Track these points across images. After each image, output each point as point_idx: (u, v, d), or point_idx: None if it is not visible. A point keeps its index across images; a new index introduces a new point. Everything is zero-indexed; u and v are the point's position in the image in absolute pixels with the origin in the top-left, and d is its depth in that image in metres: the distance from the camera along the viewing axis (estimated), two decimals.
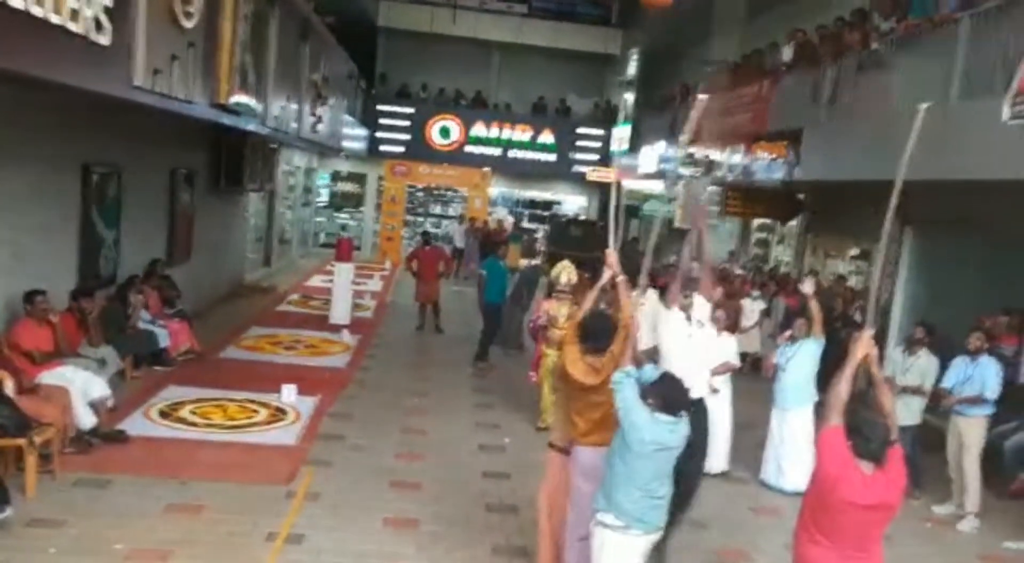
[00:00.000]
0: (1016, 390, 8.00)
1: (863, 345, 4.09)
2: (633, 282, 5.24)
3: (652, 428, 4.16)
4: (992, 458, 7.44)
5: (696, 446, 5.48)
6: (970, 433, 7.14)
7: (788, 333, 8.00)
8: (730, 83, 15.08)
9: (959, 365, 7.27)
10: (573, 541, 4.88)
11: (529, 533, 5.93)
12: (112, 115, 8.65)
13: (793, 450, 7.41)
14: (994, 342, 7.89)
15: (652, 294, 10.32)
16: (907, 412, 7.49)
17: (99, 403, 7.21)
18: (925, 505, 7.44)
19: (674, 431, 4.23)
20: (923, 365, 7.46)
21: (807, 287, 7.53)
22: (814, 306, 7.46)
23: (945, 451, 7.40)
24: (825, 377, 6.63)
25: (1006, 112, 6.94)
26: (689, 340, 5.62)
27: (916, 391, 7.44)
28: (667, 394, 4.25)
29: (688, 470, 5.47)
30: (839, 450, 3.73)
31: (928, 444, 7.68)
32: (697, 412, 5.39)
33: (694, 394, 5.35)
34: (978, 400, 7.05)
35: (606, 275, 5.08)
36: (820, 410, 7.05)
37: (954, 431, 7.26)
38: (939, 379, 7.47)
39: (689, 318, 5.65)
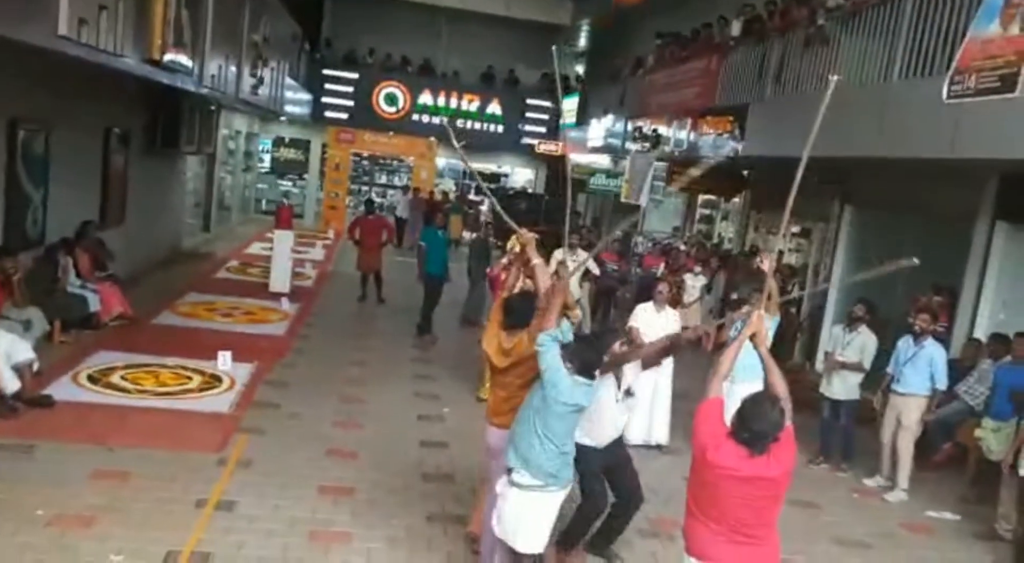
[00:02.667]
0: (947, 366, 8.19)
1: (752, 324, 4.11)
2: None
3: (572, 391, 4.24)
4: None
5: (629, 475, 5.42)
6: (910, 413, 7.25)
7: (744, 308, 8.01)
8: (679, 56, 15.12)
9: (902, 347, 7.37)
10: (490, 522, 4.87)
11: (465, 501, 5.93)
12: (42, 70, 8.30)
13: None
14: (935, 319, 8.05)
15: (583, 254, 10.31)
16: (844, 387, 7.64)
17: (23, 367, 6.97)
18: (854, 477, 7.61)
19: (587, 393, 4.33)
20: (862, 341, 7.58)
21: (765, 264, 7.56)
22: (771, 283, 7.49)
23: (876, 424, 7.56)
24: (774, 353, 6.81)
25: (945, 91, 7.04)
26: (615, 404, 5.24)
27: (855, 367, 7.56)
28: (583, 356, 4.31)
29: (629, 496, 5.43)
30: (714, 421, 3.67)
31: (860, 418, 7.84)
32: (619, 445, 5.38)
33: (615, 437, 5.31)
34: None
35: (524, 254, 4.95)
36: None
37: (893, 408, 7.36)
38: (878, 358, 7.61)
39: (619, 382, 5.24)
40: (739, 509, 3.53)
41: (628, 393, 5.28)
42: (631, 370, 5.29)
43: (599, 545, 5.48)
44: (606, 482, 5.35)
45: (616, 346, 5.19)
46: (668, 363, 7.88)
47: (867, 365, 7.60)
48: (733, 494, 3.51)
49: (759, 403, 3.59)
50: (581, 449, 5.18)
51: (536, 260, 4.83)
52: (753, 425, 3.49)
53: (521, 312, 4.72)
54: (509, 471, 4.39)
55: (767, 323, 7.41)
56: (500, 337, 4.78)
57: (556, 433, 4.29)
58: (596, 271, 11.58)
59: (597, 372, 4.40)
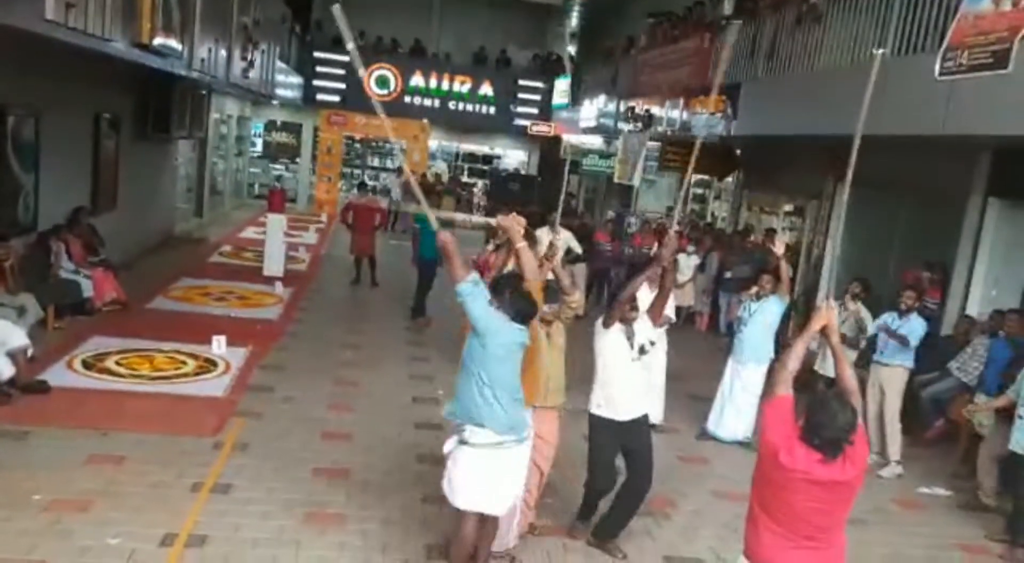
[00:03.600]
0: (938, 342, 8.24)
1: (821, 316, 3.77)
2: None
3: (510, 329, 4.25)
4: (911, 406, 7.66)
5: (644, 463, 5.33)
6: (892, 383, 7.32)
7: (754, 289, 8.04)
8: (671, 36, 15.06)
9: (887, 320, 7.40)
10: None
11: None
12: (30, 54, 8.24)
13: (743, 402, 7.50)
14: (920, 297, 8.07)
15: (564, 233, 10.36)
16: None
17: (18, 353, 6.96)
18: None
19: (524, 331, 4.34)
20: (856, 320, 7.62)
21: (778, 248, 7.59)
22: (783, 266, 7.52)
23: (865, 399, 7.59)
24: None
25: (938, 68, 7.03)
26: (631, 363, 5.15)
27: (851, 344, 7.58)
28: (518, 305, 4.31)
29: (638, 482, 5.38)
30: (784, 420, 3.42)
31: None
32: (641, 426, 5.32)
33: (638, 413, 5.25)
34: (904, 340, 7.15)
35: (509, 239, 4.89)
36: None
37: (875, 380, 7.42)
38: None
39: (631, 340, 5.14)
40: (810, 513, 3.34)
41: (642, 351, 5.16)
42: (643, 325, 5.20)
43: (602, 534, 5.41)
44: (622, 458, 5.32)
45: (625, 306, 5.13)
46: (662, 343, 7.90)
47: (863, 343, 7.64)
48: (805, 498, 3.31)
49: (827, 407, 3.31)
50: (596, 421, 5.24)
51: (519, 243, 4.77)
52: (824, 432, 3.26)
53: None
54: (459, 431, 4.32)
55: (778, 306, 7.50)
56: None
57: (502, 379, 4.24)
58: (579, 250, 11.63)
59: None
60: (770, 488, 3.41)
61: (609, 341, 5.14)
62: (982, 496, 6.68)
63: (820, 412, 3.30)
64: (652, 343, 5.26)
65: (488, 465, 4.29)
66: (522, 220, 4.88)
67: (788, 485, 3.31)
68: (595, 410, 5.25)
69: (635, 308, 5.17)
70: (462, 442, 4.32)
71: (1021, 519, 6.01)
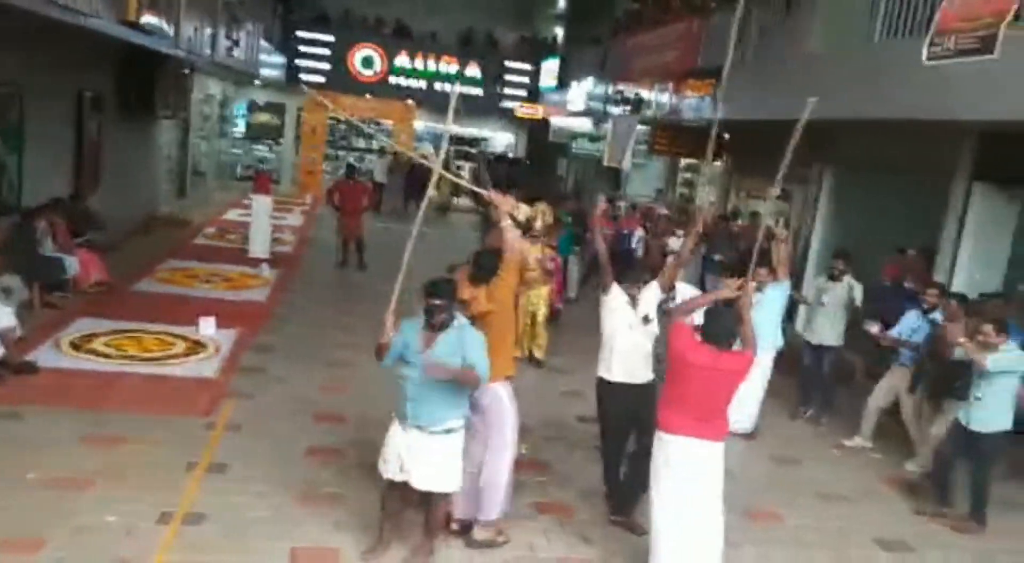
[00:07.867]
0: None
1: (728, 290, 5.10)
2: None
3: None
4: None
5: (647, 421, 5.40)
6: (903, 383, 7.20)
7: (753, 282, 8.02)
8: (659, 19, 15.06)
9: (912, 317, 7.22)
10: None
11: None
12: (12, 32, 8.12)
13: (744, 391, 7.48)
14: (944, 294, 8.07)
15: (524, 207, 10.44)
16: (831, 332, 7.76)
17: (6, 333, 6.92)
18: (831, 431, 7.74)
19: None
20: (848, 285, 7.73)
21: (780, 233, 7.65)
22: (783, 250, 7.52)
23: (852, 382, 7.66)
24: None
25: (925, 53, 7.08)
26: (630, 330, 5.37)
27: (839, 308, 7.68)
28: None
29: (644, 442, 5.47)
30: (685, 334, 4.73)
31: (838, 375, 7.97)
32: (648, 391, 5.44)
33: (639, 379, 5.45)
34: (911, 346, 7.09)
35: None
36: (780, 357, 7.45)
37: (891, 377, 7.33)
38: (865, 302, 7.78)
39: (635, 306, 5.38)
40: (704, 398, 4.64)
41: (646, 319, 5.39)
42: (650, 294, 5.44)
43: (622, 508, 5.51)
44: (630, 430, 5.50)
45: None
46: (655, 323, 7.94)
47: (858, 303, 7.73)
48: (701, 385, 4.61)
49: (719, 313, 4.81)
50: (600, 384, 5.49)
51: (504, 221, 5.02)
52: (716, 329, 4.68)
53: (488, 267, 4.95)
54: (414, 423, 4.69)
55: (780, 292, 7.55)
56: (466, 288, 4.94)
57: None
58: (543, 224, 11.66)
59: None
60: (679, 382, 4.67)
61: (614, 305, 5.45)
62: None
63: (713, 316, 4.77)
64: (649, 320, 5.39)
65: (456, 446, 4.81)
66: (515, 202, 5.05)
67: (692, 377, 4.62)
68: (600, 373, 5.52)
69: (644, 282, 5.48)
70: (428, 431, 4.70)
71: (980, 491, 6.05)
